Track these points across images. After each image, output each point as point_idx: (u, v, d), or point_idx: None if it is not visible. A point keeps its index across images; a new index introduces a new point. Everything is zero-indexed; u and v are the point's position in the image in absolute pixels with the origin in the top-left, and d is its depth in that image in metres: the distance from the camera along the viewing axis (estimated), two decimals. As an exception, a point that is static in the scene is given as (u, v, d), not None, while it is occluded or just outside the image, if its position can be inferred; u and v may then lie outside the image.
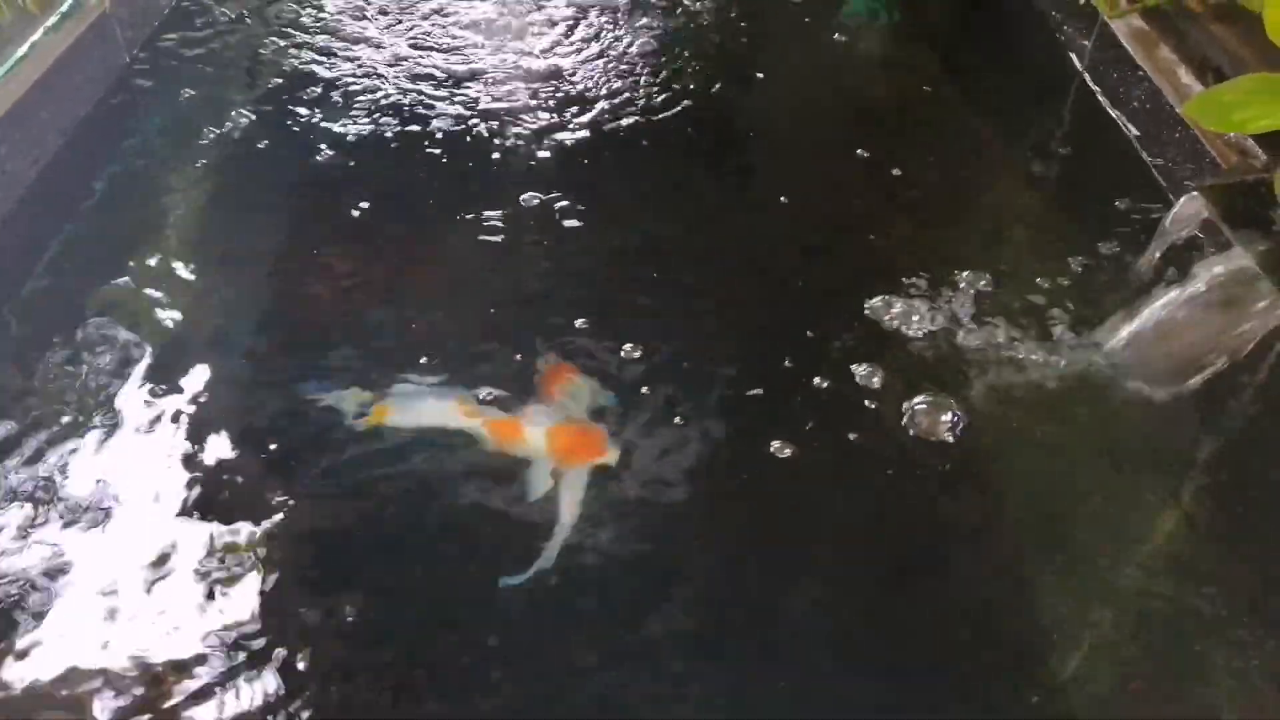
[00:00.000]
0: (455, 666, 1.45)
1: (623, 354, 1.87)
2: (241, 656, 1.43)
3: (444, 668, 1.45)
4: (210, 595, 1.51)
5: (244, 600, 1.50)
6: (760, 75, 2.75)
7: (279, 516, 1.62)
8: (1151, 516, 1.63)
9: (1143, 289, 1.81)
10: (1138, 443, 1.72)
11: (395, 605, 1.52)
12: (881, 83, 2.73)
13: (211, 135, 2.43)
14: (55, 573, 1.53)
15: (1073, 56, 2.60)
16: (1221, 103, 1.56)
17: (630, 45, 2.80)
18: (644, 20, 2.91)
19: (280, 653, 1.43)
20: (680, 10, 2.96)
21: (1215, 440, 1.70)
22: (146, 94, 2.56)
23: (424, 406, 1.77)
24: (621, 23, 2.89)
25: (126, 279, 2.03)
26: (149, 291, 2.01)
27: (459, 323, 1.98)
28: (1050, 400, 1.76)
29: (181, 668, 1.42)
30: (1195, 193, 1.80)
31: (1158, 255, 1.85)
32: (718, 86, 2.66)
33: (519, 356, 1.87)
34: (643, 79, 2.66)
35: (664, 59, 2.75)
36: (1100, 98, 2.45)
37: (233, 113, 2.50)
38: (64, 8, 2.37)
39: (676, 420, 1.75)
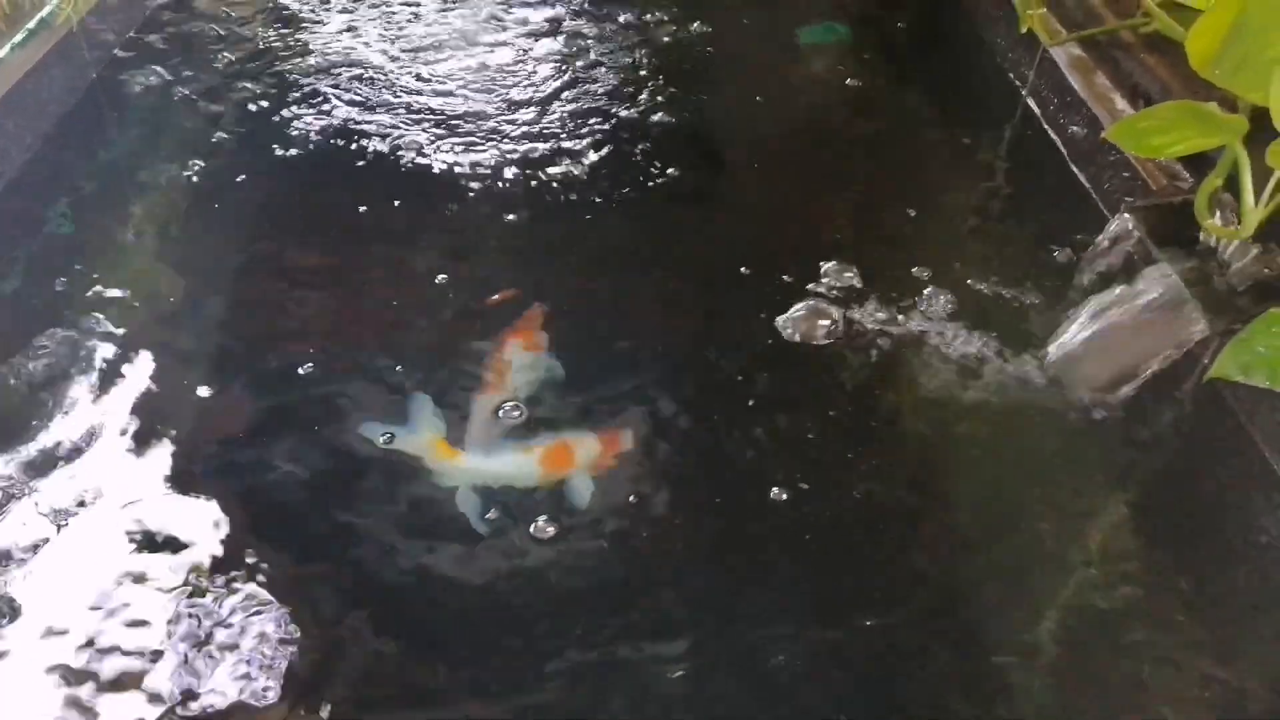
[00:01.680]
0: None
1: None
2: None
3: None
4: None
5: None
6: (717, 99, 2.83)
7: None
8: (1086, 524, 1.71)
9: (1076, 305, 1.90)
10: (1071, 454, 1.81)
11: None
12: (833, 106, 2.82)
13: (175, 155, 2.47)
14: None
15: (1015, 82, 2.70)
16: (1139, 129, 1.66)
17: (592, 71, 2.87)
18: (604, 45, 2.98)
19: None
20: (641, 38, 3.03)
21: (1143, 450, 1.79)
22: (111, 112, 2.59)
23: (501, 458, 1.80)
24: (582, 52, 2.95)
25: (90, 296, 2.06)
26: (110, 309, 2.04)
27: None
28: (986, 413, 1.85)
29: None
30: (1126, 213, 1.89)
31: (1091, 273, 1.94)
32: (675, 111, 2.72)
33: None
34: (603, 102, 2.73)
35: (625, 84, 2.82)
36: (1041, 122, 2.55)
37: (197, 132, 2.53)
38: (30, 24, 2.40)
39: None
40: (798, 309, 2.04)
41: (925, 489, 1.77)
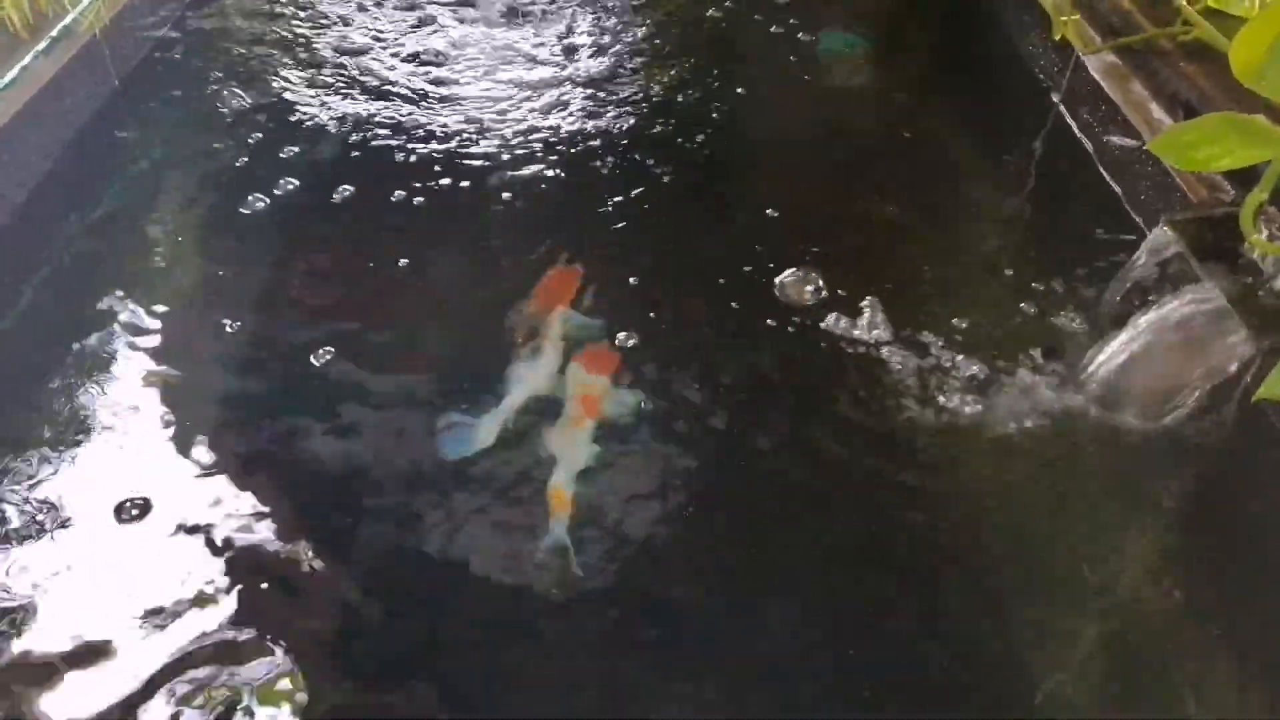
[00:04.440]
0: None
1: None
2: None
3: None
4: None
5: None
6: (738, 108, 2.79)
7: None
8: (1126, 546, 1.66)
9: (1114, 321, 1.85)
10: (1112, 474, 1.75)
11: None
12: (859, 116, 2.77)
13: (199, 161, 2.46)
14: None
15: (1049, 90, 2.65)
16: (1184, 141, 1.60)
17: (608, 82, 2.83)
18: (621, 53, 2.95)
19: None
20: (659, 46, 3.00)
21: (1187, 470, 1.73)
22: (134, 119, 2.58)
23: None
24: (601, 63, 2.92)
25: (114, 301, 2.05)
26: (135, 315, 2.03)
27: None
28: (1025, 431, 1.79)
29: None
30: (1165, 226, 1.83)
31: (1129, 287, 1.88)
32: (694, 116, 2.69)
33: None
34: (622, 113, 2.70)
35: (643, 93, 2.78)
36: (1075, 131, 2.50)
37: (222, 139, 2.52)
38: (54, 32, 2.38)
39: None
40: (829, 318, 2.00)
41: (960, 515, 1.72)
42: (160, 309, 2.05)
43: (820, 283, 2.11)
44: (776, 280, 2.13)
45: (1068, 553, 1.66)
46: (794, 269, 2.14)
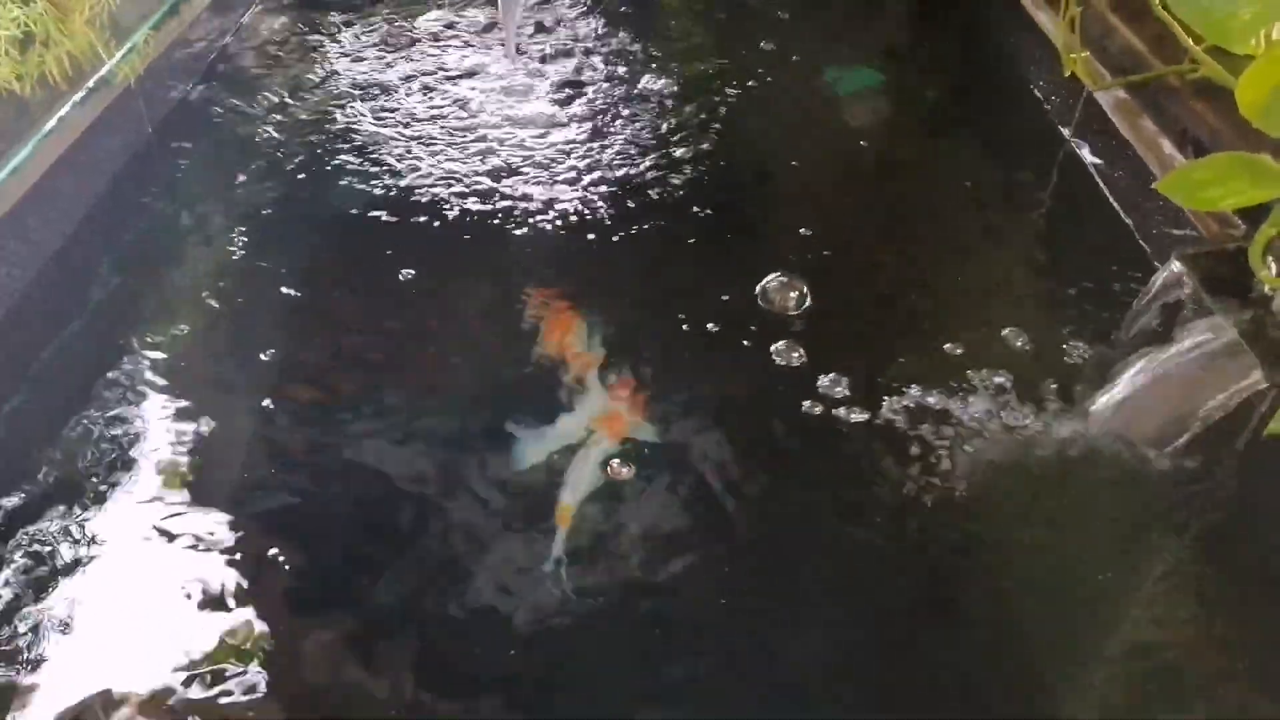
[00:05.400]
0: None
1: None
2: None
3: None
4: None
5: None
6: (755, 145, 2.84)
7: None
8: (1139, 579, 1.67)
9: (1126, 355, 1.87)
10: (1124, 507, 1.77)
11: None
12: (870, 152, 2.82)
13: (233, 207, 2.52)
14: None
15: (1059, 126, 2.69)
16: (1192, 180, 1.63)
17: (628, 120, 2.89)
18: (640, 88, 3.01)
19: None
20: (679, 82, 3.06)
21: (1199, 504, 1.75)
22: (168, 166, 2.65)
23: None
24: (619, 97, 2.98)
25: (150, 348, 2.10)
26: (174, 360, 2.08)
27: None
28: (1037, 466, 1.82)
29: None
30: (1177, 261, 1.86)
31: (1141, 321, 1.91)
32: (711, 156, 2.73)
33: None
34: (641, 149, 2.75)
35: (662, 129, 2.84)
36: (1085, 166, 2.53)
37: (253, 186, 2.59)
38: (90, 83, 2.46)
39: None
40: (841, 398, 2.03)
41: (971, 545, 1.74)
42: (192, 355, 2.11)
43: (821, 306, 2.17)
44: (791, 311, 2.18)
45: (1078, 580, 1.67)
46: (798, 293, 2.20)
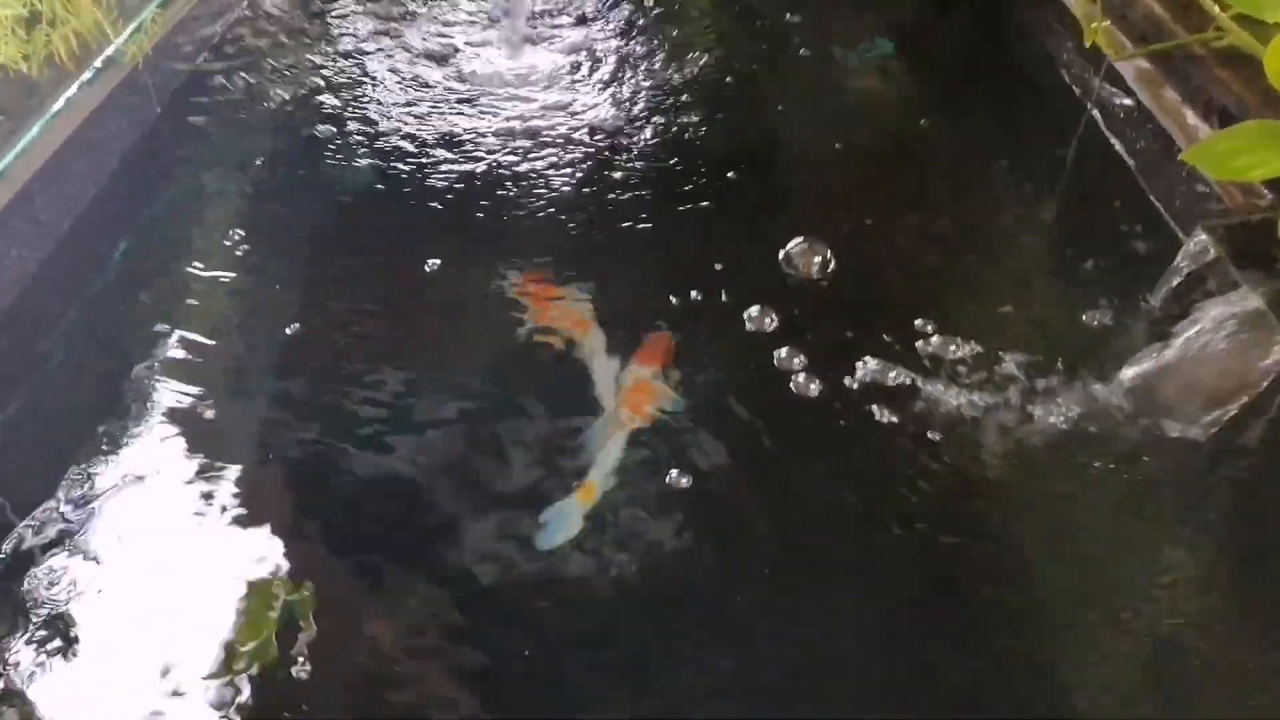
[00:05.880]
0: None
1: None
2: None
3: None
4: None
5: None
6: (769, 113, 2.80)
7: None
8: (1169, 557, 1.65)
9: (1153, 328, 1.84)
10: (1154, 483, 1.75)
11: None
12: (888, 125, 2.78)
13: (241, 185, 2.50)
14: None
15: (1080, 96, 2.64)
16: (1219, 151, 1.60)
17: (638, 81, 2.86)
18: (648, 57, 2.97)
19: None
20: (687, 51, 3.02)
21: (1232, 479, 1.72)
22: (176, 146, 2.63)
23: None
24: (628, 59, 2.95)
25: (158, 326, 2.09)
26: (184, 340, 2.07)
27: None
28: (1065, 441, 1.79)
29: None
30: (1202, 233, 1.82)
31: (1167, 295, 1.88)
32: (723, 125, 2.70)
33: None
34: (650, 114, 2.72)
35: (668, 97, 2.80)
36: (1107, 137, 2.49)
37: (263, 162, 2.57)
38: (98, 63, 2.44)
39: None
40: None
41: (994, 521, 1.72)
42: (203, 334, 2.09)
43: (852, 278, 2.14)
44: (818, 280, 2.15)
45: (1106, 555, 1.65)
46: (827, 264, 2.17)
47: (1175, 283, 1.86)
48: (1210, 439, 1.73)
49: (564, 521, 1.73)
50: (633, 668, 1.57)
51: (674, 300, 2.14)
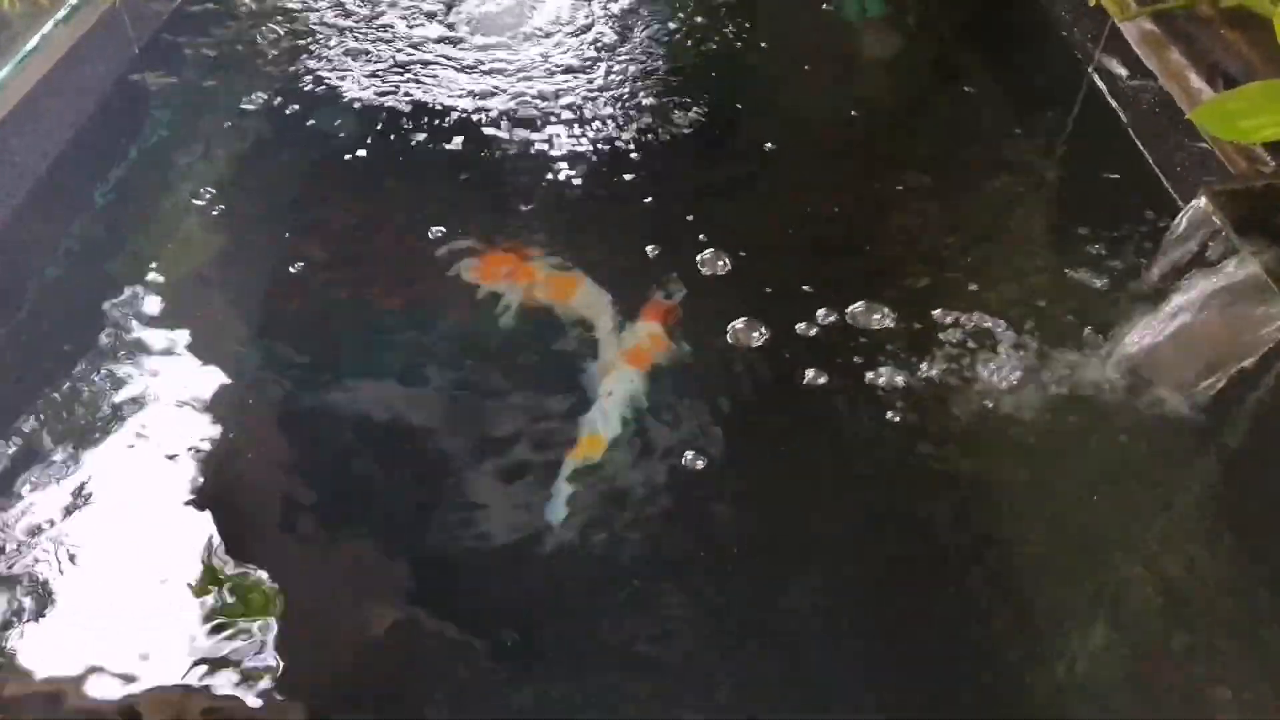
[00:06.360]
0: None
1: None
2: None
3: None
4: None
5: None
6: (760, 75, 2.74)
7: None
8: (1165, 527, 1.64)
9: (1151, 295, 1.82)
10: (1151, 453, 1.73)
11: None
12: (885, 84, 2.73)
13: (220, 128, 2.44)
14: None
15: (1080, 58, 2.60)
16: (1228, 110, 1.57)
17: (628, 53, 2.80)
18: (641, 25, 2.90)
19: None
20: (679, 17, 2.95)
21: (1229, 448, 1.70)
22: (154, 87, 2.56)
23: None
24: (620, 31, 2.88)
25: (140, 273, 2.04)
26: (161, 287, 2.02)
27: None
28: (1062, 409, 1.77)
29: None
30: (1203, 198, 1.79)
31: (1166, 261, 1.85)
32: (715, 88, 2.64)
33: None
34: (643, 82, 2.66)
35: (664, 63, 2.74)
36: (1109, 100, 2.45)
37: (242, 106, 2.50)
38: (73, 1, 2.36)
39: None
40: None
41: (992, 493, 1.70)
42: (183, 281, 2.05)
43: (840, 241, 2.12)
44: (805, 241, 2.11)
45: (1103, 525, 1.64)
46: (824, 238, 2.12)
47: (1173, 249, 1.84)
48: (1202, 407, 1.71)
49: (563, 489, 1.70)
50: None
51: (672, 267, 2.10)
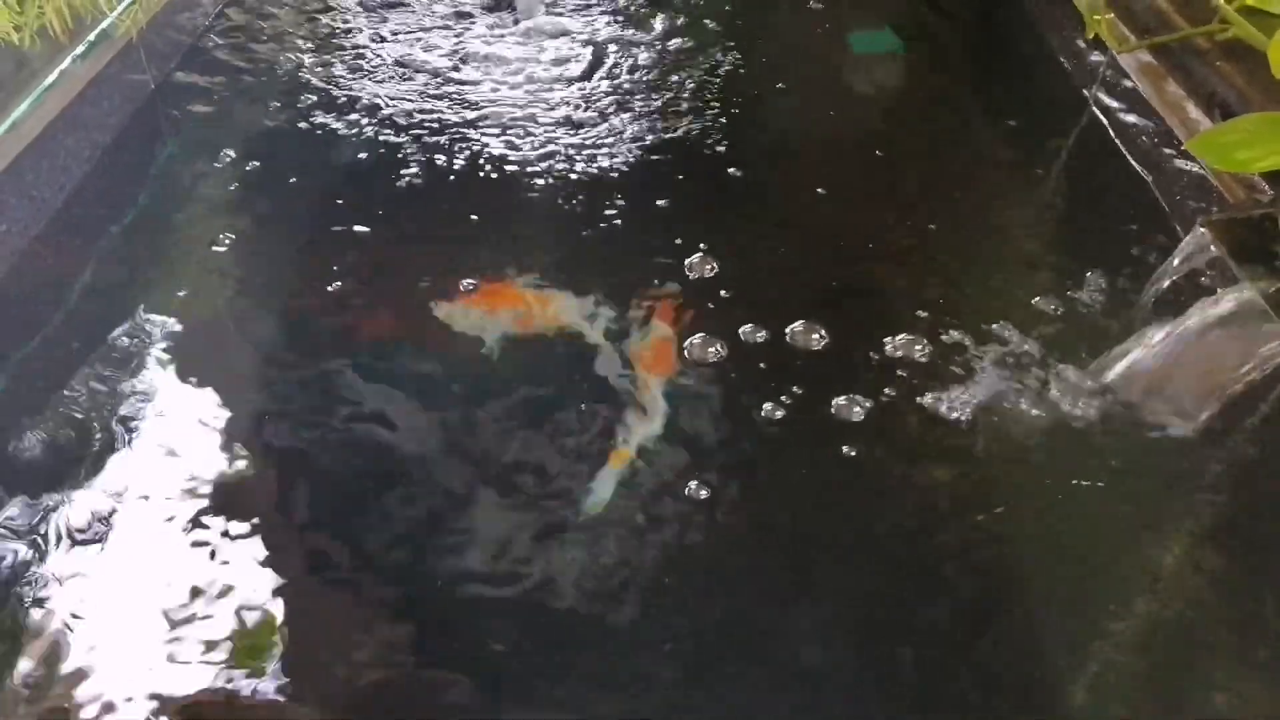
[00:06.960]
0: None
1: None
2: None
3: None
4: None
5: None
6: (773, 105, 2.78)
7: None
8: (1160, 551, 1.65)
9: (1149, 323, 1.83)
10: (1145, 479, 1.74)
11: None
12: (891, 114, 2.76)
13: (235, 164, 2.48)
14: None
15: (1081, 89, 2.63)
16: (1223, 142, 1.59)
17: (643, 81, 2.84)
18: (654, 54, 2.95)
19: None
20: (691, 43, 3.00)
21: (1224, 475, 1.71)
22: (171, 122, 2.61)
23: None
24: (633, 63, 2.93)
25: (154, 306, 2.07)
26: (176, 320, 2.05)
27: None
28: (1056, 436, 1.78)
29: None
30: (1202, 228, 1.82)
31: (1164, 289, 1.87)
32: (726, 112, 2.69)
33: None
34: (656, 111, 2.70)
35: (675, 91, 2.78)
36: (1107, 130, 2.48)
37: (257, 142, 2.55)
38: (91, 36, 2.42)
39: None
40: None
41: (983, 519, 1.71)
42: (198, 314, 2.08)
43: (843, 265, 2.14)
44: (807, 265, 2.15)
45: (1097, 550, 1.65)
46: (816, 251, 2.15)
47: (1172, 276, 1.86)
48: (1203, 433, 1.72)
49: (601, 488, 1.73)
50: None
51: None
